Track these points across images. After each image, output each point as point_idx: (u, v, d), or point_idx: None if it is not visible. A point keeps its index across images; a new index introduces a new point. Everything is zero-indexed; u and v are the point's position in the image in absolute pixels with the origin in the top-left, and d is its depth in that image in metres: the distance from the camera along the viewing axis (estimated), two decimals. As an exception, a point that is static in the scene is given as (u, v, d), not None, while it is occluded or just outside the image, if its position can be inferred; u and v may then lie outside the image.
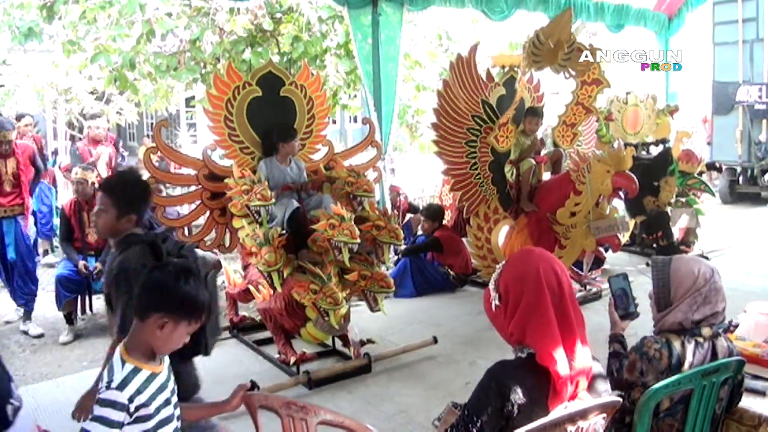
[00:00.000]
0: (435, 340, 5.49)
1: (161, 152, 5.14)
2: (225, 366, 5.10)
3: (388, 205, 8.02)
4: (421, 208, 9.38)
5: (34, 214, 8.22)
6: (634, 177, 5.89)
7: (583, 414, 2.08)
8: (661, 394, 2.45)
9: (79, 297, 6.51)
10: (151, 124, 24.05)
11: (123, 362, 2.08)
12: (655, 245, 8.46)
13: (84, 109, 12.72)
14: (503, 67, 7.14)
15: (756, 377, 2.93)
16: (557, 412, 2.05)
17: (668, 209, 8.38)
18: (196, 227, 5.71)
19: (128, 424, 2.04)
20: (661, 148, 9.01)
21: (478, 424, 2.07)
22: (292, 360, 4.93)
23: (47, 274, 8.10)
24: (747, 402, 2.77)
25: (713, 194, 10.36)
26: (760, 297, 4.10)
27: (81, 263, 6.20)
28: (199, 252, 6.55)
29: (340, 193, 5.32)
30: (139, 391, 2.06)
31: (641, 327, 2.87)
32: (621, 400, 2.24)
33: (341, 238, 4.55)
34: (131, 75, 9.65)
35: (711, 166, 9.78)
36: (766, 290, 6.53)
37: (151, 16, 8.77)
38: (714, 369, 2.53)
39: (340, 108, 11.34)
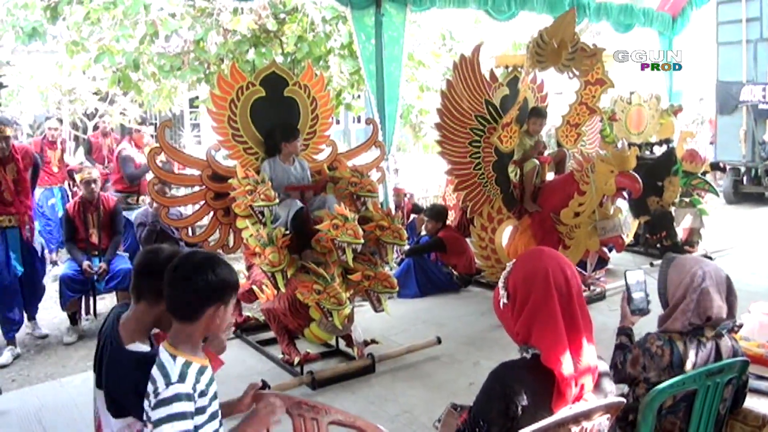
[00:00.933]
0: (439, 341, 5.48)
1: (165, 153, 5.14)
2: (229, 366, 5.05)
3: (392, 206, 8.03)
4: (424, 208, 9.39)
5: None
6: (638, 177, 5.88)
7: (587, 415, 2.08)
8: (666, 394, 2.46)
9: (83, 297, 6.52)
10: (155, 124, 24.09)
11: (174, 357, 2.14)
12: (658, 245, 8.46)
13: (88, 109, 12.73)
14: (507, 67, 7.15)
15: (760, 377, 2.93)
16: (562, 413, 2.05)
17: (672, 209, 8.37)
18: (200, 227, 5.71)
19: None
20: (664, 148, 9.00)
21: (485, 428, 2.07)
22: (296, 360, 4.93)
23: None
24: (751, 402, 2.77)
25: (717, 194, 10.35)
26: (764, 297, 4.09)
27: (85, 263, 6.21)
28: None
29: (344, 193, 5.32)
30: (197, 380, 2.13)
31: (647, 325, 2.86)
32: (624, 400, 2.24)
33: (345, 239, 4.55)
34: (135, 75, 9.67)
35: (715, 166, 9.75)
36: (770, 290, 6.51)
37: (155, 16, 8.78)
38: (718, 369, 2.53)
39: (343, 108, 11.36)
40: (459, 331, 6.01)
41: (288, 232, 4.85)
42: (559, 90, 9.41)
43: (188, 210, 6.54)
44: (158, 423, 2.03)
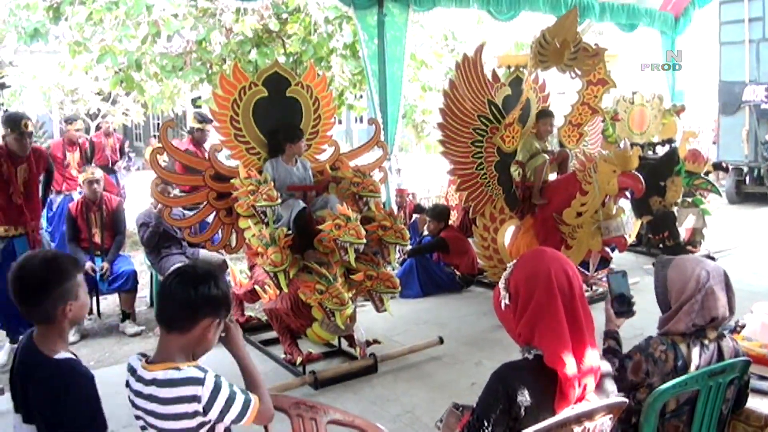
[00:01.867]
0: (441, 341, 5.48)
1: (168, 152, 5.14)
2: (231, 365, 5.09)
3: (394, 206, 8.03)
4: (427, 208, 9.40)
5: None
6: (641, 177, 5.88)
7: (589, 415, 2.07)
8: (668, 395, 2.45)
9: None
10: (158, 124, 24.12)
11: (178, 369, 2.11)
12: (661, 245, 8.45)
13: (90, 109, 12.77)
14: (509, 67, 7.14)
15: (762, 378, 2.92)
16: (564, 413, 2.05)
17: (675, 209, 8.36)
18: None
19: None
20: (667, 148, 8.99)
21: (489, 428, 2.07)
22: (298, 360, 4.94)
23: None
24: (753, 402, 2.76)
25: (720, 194, 10.34)
26: (766, 297, 4.08)
27: (88, 264, 6.20)
28: (205, 252, 6.61)
29: (346, 193, 5.32)
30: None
31: (648, 327, 2.86)
32: (627, 400, 2.23)
33: (347, 239, 4.55)
34: (137, 76, 9.68)
35: (717, 166, 9.74)
36: (773, 291, 6.51)
37: (157, 17, 8.79)
38: (720, 369, 2.53)
39: (345, 108, 11.37)
40: (461, 331, 6.02)
41: (290, 232, 4.85)
42: (561, 90, 9.40)
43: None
44: (223, 411, 2.11)
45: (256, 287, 5.40)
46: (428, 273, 7.37)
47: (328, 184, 5.53)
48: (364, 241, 4.63)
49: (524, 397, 2.04)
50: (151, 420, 2.10)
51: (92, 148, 9.69)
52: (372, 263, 4.99)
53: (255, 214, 4.81)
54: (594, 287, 6.90)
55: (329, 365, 5.13)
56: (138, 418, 2.17)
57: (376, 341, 5.32)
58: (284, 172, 5.24)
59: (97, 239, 6.45)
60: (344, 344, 5.42)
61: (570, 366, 2.04)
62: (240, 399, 2.18)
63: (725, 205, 13.26)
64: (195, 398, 2.06)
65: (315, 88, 5.52)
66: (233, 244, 5.44)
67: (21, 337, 2.47)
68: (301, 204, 5.10)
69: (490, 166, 6.53)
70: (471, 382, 4.72)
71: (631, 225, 7.98)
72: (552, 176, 7.00)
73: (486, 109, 6.46)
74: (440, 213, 7.84)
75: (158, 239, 6.59)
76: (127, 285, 6.33)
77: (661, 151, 9.10)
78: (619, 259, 8.06)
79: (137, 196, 9.08)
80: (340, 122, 21.99)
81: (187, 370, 2.09)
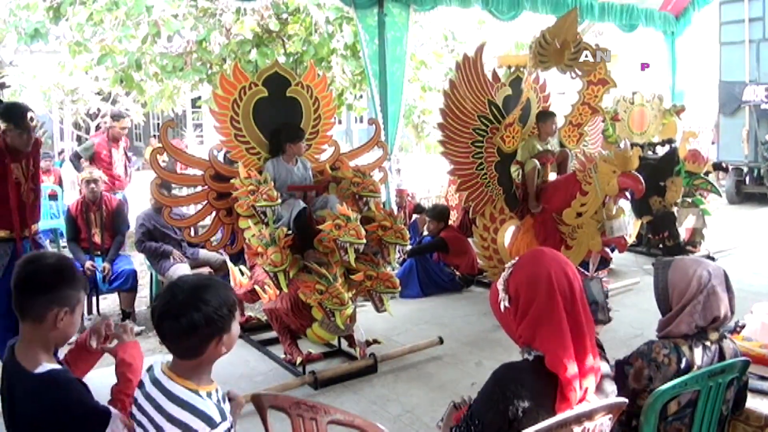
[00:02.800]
0: (441, 341, 5.48)
1: (168, 152, 5.14)
2: (231, 366, 5.10)
3: (394, 206, 8.03)
4: (427, 208, 9.40)
5: None
6: (641, 177, 5.88)
7: (589, 415, 2.07)
8: (668, 395, 2.44)
9: (86, 297, 6.52)
10: (158, 124, 24.16)
11: (196, 392, 2.02)
12: (661, 245, 8.46)
13: (90, 109, 12.77)
14: (509, 67, 7.13)
15: (762, 378, 2.92)
16: (564, 413, 2.05)
17: (675, 209, 8.36)
18: (202, 227, 5.71)
19: None
20: (667, 148, 8.99)
21: (480, 428, 2.07)
22: (298, 360, 4.94)
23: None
24: (753, 403, 2.76)
25: (720, 194, 10.33)
26: (766, 297, 4.09)
27: (88, 263, 6.21)
28: (205, 252, 6.61)
29: (346, 193, 5.32)
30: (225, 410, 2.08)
31: (647, 328, 2.86)
32: (626, 400, 2.23)
33: (347, 239, 4.55)
34: (137, 76, 9.68)
35: (717, 166, 9.73)
36: (773, 291, 6.51)
37: (157, 17, 8.79)
38: (720, 370, 2.52)
39: (345, 108, 11.37)
40: (461, 331, 6.02)
41: (290, 232, 4.85)
42: (561, 90, 9.40)
43: (191, 210, 6.54)
44: None
45: (256, 287, 5.40)
46: (428, 273, 7.38)
47: (329, 184, 5.53)
48: (364, 241, 4.64)
49: (522, 400, 2.03)
50: (148, 427, 2.03)
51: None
52: (372, 263, 4.99)
53: (255, 214, 4.81)
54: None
55: (329, 365, 5.13)
56: (132, 416, 2.11)
57: (376, 341, 5.32)
58: (285, 171, 5.24)
59: (97, 239, 6.46)
60: (344, 344, 5.42)
61: (571, 370, 2.04)
62: None
63: (725, 206, 13.26)
64: None
65: (315, 88, 5.52)
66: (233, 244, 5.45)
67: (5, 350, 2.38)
68: (302, 204, 5.10)
69: (490, 166, 6.53)
70: (471, 382, 4.71)
71: (631, 225, 7.98)
72: (552, 176, 7.00)
73: (486, 109, 6.46)
74: (440, 213, 7.84)
75: (152, 239, 6.57)
76: (127, 284, 6.33)
77: (661, 151, 9.09)
78: (619, 260, 8.07)
79: (137, 196, 9.06)
80: (340, 122, 21.99)
81: (207, 404, 2.00)
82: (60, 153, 14.40)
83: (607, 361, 2.41)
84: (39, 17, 8.97)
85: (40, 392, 2.13)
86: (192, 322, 1.97)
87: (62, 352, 2.54)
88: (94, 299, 6.60)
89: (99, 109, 13.28)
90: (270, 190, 4.74)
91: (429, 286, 7.31)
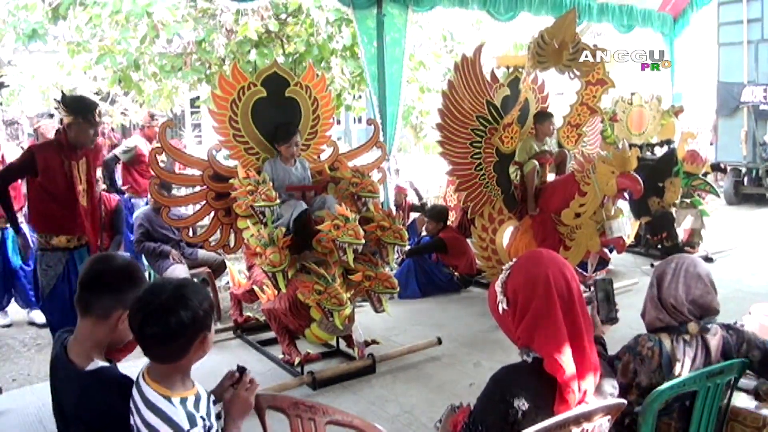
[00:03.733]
0: (439, 341, 5.49)
1: (166, 152, 5.14)
2: (229, 366, 5.06)
3: (392, 205, 8.03)
4: (420, 204, 9.44)
5: None
6: (639, 178, 5.88)
7: (587, 416, 2.07)
8: (667, 395, 2.45)
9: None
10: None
11: (168, 399, 2.02)
12: (659, 246, 8.46)
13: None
14: (508, 67, 7.13)
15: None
16: (563, 414, 2.05)
17: (673, 210, 8.37)
18: (201, 227, 5.70)
19: None
20: (666, 149, 9.00)
21: (484, 431, 2.07)
22: (297, 360, 4.94)
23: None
24: (750, 403, 2.77)
25: (718, 195, 10.35)
26: (765, 298, 4.10)
27: (87, 263, 6.18)
28: (203, 252, 6.61)
29: (345, 193, 5.31)
30: (205, 415, 2.07)
31: (645, 329, 2.86)
32: (625, 402, 2.23)
33: (346, 239, 4.54)
34: (136, 75, 9.67)
35: (716, 167, 9.74)
36: (771, 292, 6.51)
37: (157, 21, 8.79)
38: (719, 370, 2.54)
39: (344, 109, 11.36)
40: (460, 331, 6.02)
41: (289, 232, 4.85)
42: (560, 90, 9.41)
43: (189, 210, 6.53)
44: None
45: (255, 287, 5.40)
46: (427, 273, 7.38)
47: (327, 184, 5.53)
48: (363, 241, 4.63)
49: (522, 402, 2.03)
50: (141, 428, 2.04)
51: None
52: (370, 264, 4.99)
53: (254, 214, 4.81)
54: (592, 288, 6.88)
55: (327, 365, 5.13)
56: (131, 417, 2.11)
57: (374, 342, 5.32)
58: (283, 172, 5.24)
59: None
60: (342, 344, 5.43)
61: (569, 371, 2.04)
62: None
63: (723, 206, 13.26)
64: None
65: (314, 88, 5.51)
66: (232, 244, 5.45)
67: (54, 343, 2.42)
68: (303, 205, 5.09)
69: (488, 166, 6.53)
70: (470, 382, 4.72)
71: (629, 226, 7.99)
72: (551, 177, 7.00)
73: (485, 109, 6.46)
74: (438, 213, 7.84)
75: (149, 240, 6.56)
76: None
77: (659, 152, 9.10)
78: (618, 260, 8.07)
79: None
80: (338, 122, 21.97)
81: (176, 410, 2.00)
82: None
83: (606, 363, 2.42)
84: (37, 18, 8.95)
85: (89, 389, 2.15)
86: (180, 320, 1.98)
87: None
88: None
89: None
90: (269, 190, 4.74)
91: (427, 287, 7.31)
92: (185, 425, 1.98)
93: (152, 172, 5.19)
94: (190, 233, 6.06)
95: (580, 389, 2.07)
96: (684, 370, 2.56)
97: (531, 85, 6.85)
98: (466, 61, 6.40)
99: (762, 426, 2.68)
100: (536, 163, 6.53)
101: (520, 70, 6.71)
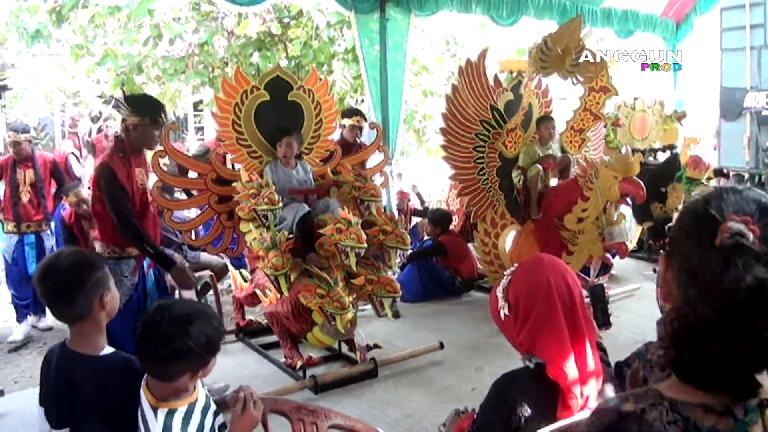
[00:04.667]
0: (441, 346, 5.49)
1: (169, 155, 5.14)
2: (231, 369, 5.11)
3: (394, 210, 8.03)
4: (421, 207, 9.45)
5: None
6: (642, 183, 5.88)
7: (589, 421, 2.07)
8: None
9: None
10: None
11: (155, 410, 2.03)
12: (662, 251, 8.43)
13: (92, 112, 12.78)
14: (511, 72, 7.14)
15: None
16: (565, 420, 2.04)
17: (676, 215, 8.34)
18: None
19: None
20: (668, 154, 9.00)
21: None
22: (299, 364, 4.94)
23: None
24: None
25: (721, 201, 10.29)
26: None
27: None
28: (206, 255, 6.60)
29: (347, 197, 5.31)
30: (184, 428, 2.04)
31: (648, 332, 2.85)
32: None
33: (348, 243, 4.54)
34: (139, 78, 9.69)
35: (719, 173, 9.74)
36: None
37: (159, 20, 8.81)
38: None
39: (347, 112, 11.35)
40: (461, 335, 6.01)
41: (292, 235, 4.85)
42: (563, 96, 9.40)
43: (192, 213, 6.53)
44: None
45: (257, 291, 5.40)
46: (430, 273, 7.37)
47: (330, 188, 5.53)
48: (365, 245, 4.63)
49: (524, 408, 2.03)
50: None
51: (93, 151, 9.65)
52: (373, 267, 4.99)
53: (256, 217, 4.81)
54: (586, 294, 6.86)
55: (329, 369, 5.13)
56: None
57: (376, 345, 5.31)
58: (284, 175, 5.24)
59: (94, 246, 6.37)
60: (344, 348, 5.42)
61: (572, 377, 2.03)
62: None
63: (726, 212, 13.22)
64: None
65: (317, 92, 5.52)
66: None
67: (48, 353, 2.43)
68: (306, 208, 5.09)
69: (491, 171, 6.53)
70: (471, 387, 4.72)
71: (632, 231, 7.98)
72: (553, 182, 7.00)
73: (488, 114, 6.46)
74: (439, 218, 7.84)
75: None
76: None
77: (662, 157, 9.10)
78: (620, 266, 8.06)
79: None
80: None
81: (155, 422, 2.02)
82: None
83: (609, 365, 2.41)
84: (41, 19, 8.98)
85: (107, 373, 2.21)
86: (173, 352, 1.97)
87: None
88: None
89: (101, 112, 13.28)
90: (271, 193, 4.74)
91: (430, 287, 7.30)
92: None
93: (156, 175, 5.18)
94: (193, 236, 6.05)
95: (583, 395, 2.06)
96: None
97: (534, 90, 6.86)
98: (470, 65, 6.41)
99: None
100: (540, 167, 6.53)
101: (524, 74, 6.72)
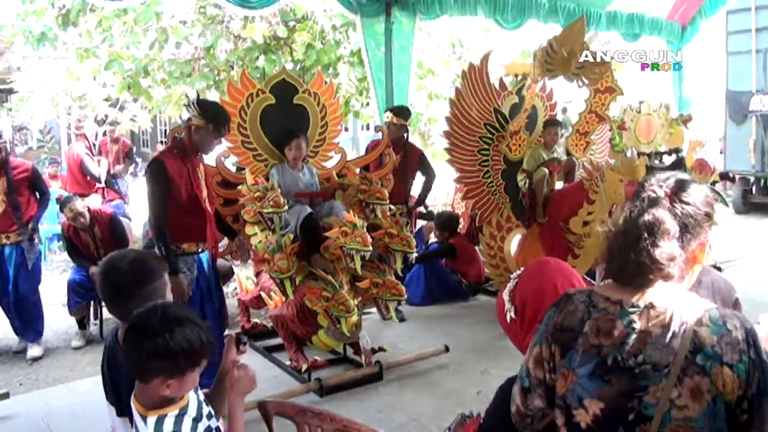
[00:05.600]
0: (447, 349, 5.48)
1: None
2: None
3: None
4: (426, 211, 9.42)
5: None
6: (647, 186, 5.86)
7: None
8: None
9: (91, 302, 6.49)
10: (165, 130, 24.15)
11: (144, 419, 1.99)
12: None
13: (98, 115, 12.81)
14: (516, 75, 7.14)
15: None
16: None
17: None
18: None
19: None
20: (674, 157, 8.98)
21: None
22: (304, 367, 4.94)
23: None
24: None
25: (726, 204, 10.32)
26: (774, 308, 4.06)
27: (92, 269, 6.12)
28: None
29: (353, 200, 5.31)
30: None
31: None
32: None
33: (353, 246, 4.54)
34: (145, 82, 9.71)
35: (724, 176, 9.72)
36: (780, 301, 6.48)
37: (166, 23, 8.82)
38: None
39: (352, 115, 11.36)
40: (467, 339, 6.00)
41: (297, 238, 4.85)
42: (568, 99, 9.41)
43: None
44: None
45: (262, 294, 5.40)
46: (436, 275, 7.36)
47: (335, 190, 5.52)
48: (371, 248, 4.63)
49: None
50: None
51: (99, 153, 9.67)
52: (378, 270, 4.99)
53: (262, 220, 4.80)
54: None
55: (334, 372, 5.13)
56: None
57: (381, 349, 5.32)
58: (290, 178, 5.23)
59: (100, 253, 6.31)
60: (350, 351, 5.42)
61: None
62: None
63: (732, 215, 13.21)
64: None
65: (322, 95, 5.52)
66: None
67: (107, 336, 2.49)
68: (308, 209, 5.08)
69: (496, 174, 6.53)
70: (477, 390, 4.72)
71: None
72: (559, 185, 6.99)
73: (492, 117, 6.46)
74: (446, 221, 7.82)
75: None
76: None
77: (668, 160, 9.08)
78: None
79: (143, 201, 9.07)
80: (346, 129, 21.98)
81: (144, 428, 2.00)
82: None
83: None
84: (47, 22, 9.00)
85: None
86: (155, 348, 1.93)
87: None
88: (98, 305, 6.58)
89: (107, 115, 13.30)
90: (277, 196, 4.73)
91: (436, 290, 7.29)
92: None
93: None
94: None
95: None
96: None
97: (539, 93, 6.85)
98: (473, 68, 6.42)
99: None
100: (546, 170, 6.52)
101: (529, 77, 6.72)
